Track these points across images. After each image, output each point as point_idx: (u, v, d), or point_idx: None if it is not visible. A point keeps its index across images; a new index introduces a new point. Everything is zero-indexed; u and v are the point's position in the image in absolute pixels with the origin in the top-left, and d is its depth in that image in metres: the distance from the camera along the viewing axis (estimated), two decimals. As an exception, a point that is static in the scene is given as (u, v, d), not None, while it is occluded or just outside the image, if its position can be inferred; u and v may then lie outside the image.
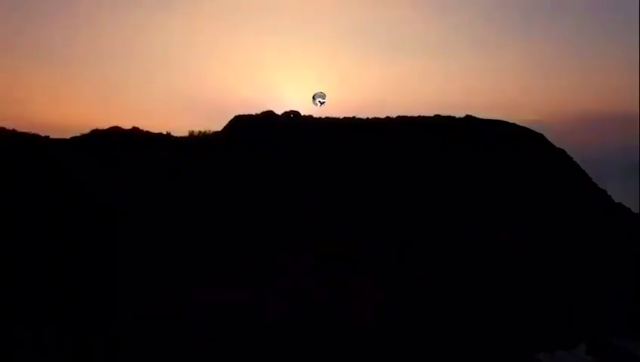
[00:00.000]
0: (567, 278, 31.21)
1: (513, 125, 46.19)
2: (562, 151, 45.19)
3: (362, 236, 32.46)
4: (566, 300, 29.52)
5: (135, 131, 41.03)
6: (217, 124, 44.63)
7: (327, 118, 44.57)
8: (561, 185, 40.11)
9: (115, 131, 40.80)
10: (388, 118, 45.57)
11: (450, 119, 45.84)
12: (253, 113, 43.91)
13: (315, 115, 44.81)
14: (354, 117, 44.97)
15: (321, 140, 39.61)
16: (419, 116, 45.85)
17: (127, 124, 41.49)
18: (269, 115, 43.64)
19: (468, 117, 46.35)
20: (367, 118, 45.19)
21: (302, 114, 45.08)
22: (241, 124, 42.87)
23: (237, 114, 44.11)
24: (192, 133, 42.84)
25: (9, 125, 38.55)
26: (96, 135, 40.29)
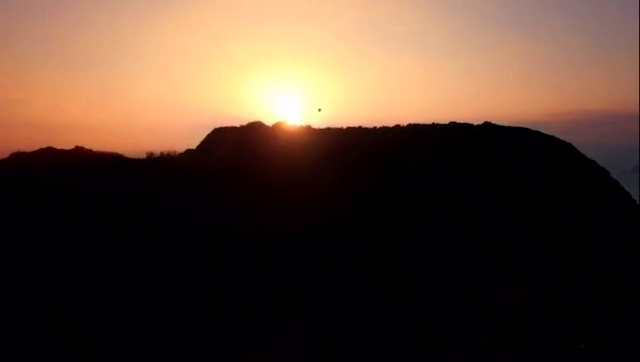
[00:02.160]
0: (571, 278, 29.17)
1: (537, 133, 41.92)
2: (593, 162, 41.78)
3: (365, 237, 31.30)
4: (570, 300, 27.09)
5: (76, 151, 33.58)
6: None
7: (327, 128, 38.74)
8: (584, 193, 37.30)
9: (44, 153, 33.17)
10: (397, 125, 39.51)
11: (468, 126, 40.66)
12: (237, 125, 38.13)
13: (314, 125, 39.03)
14: (360, 126, 38.93)
15: (321, 145, 35.30)
16: (432, 123, 40.42)
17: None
18: (257, 125, 37.01)
19: (486, 124, 41.31)
20: (375, 127, 39.33)
21: (298, 124, 38.83)
22: (222, 135, 37.72)
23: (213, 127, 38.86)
24: (150, 155, 36.60)
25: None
26: (19, 158, 33.57)
